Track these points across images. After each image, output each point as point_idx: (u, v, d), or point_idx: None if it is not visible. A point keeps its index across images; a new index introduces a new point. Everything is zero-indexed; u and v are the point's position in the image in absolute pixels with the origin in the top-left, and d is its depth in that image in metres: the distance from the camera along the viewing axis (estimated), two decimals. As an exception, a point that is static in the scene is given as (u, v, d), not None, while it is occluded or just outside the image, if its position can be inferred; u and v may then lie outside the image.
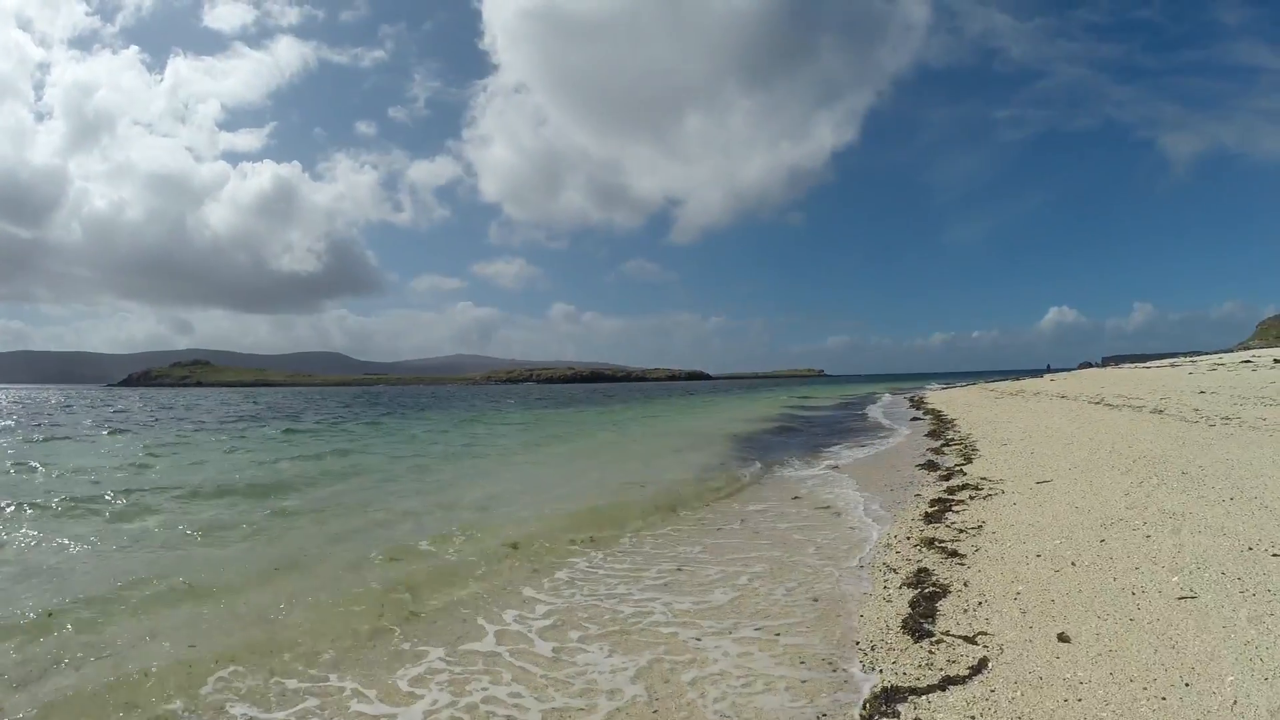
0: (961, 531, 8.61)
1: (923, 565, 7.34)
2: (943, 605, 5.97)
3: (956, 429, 22.26)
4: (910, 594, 6.43)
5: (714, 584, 7.67)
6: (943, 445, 18.26)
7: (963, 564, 7.22)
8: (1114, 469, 11.40)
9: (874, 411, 38.49)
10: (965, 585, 6.45)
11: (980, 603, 5.92)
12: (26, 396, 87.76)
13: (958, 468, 13.83)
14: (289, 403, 70.27)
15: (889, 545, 8.62)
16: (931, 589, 6.41)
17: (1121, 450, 13.19)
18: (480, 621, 6.69)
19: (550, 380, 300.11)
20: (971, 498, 10.67)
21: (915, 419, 29.75)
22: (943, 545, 8.03)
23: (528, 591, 7.62)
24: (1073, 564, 6.66)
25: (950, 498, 10.89)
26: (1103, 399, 25.93)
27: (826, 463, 17.17)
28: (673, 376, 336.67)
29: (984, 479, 12.09)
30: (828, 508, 11.51)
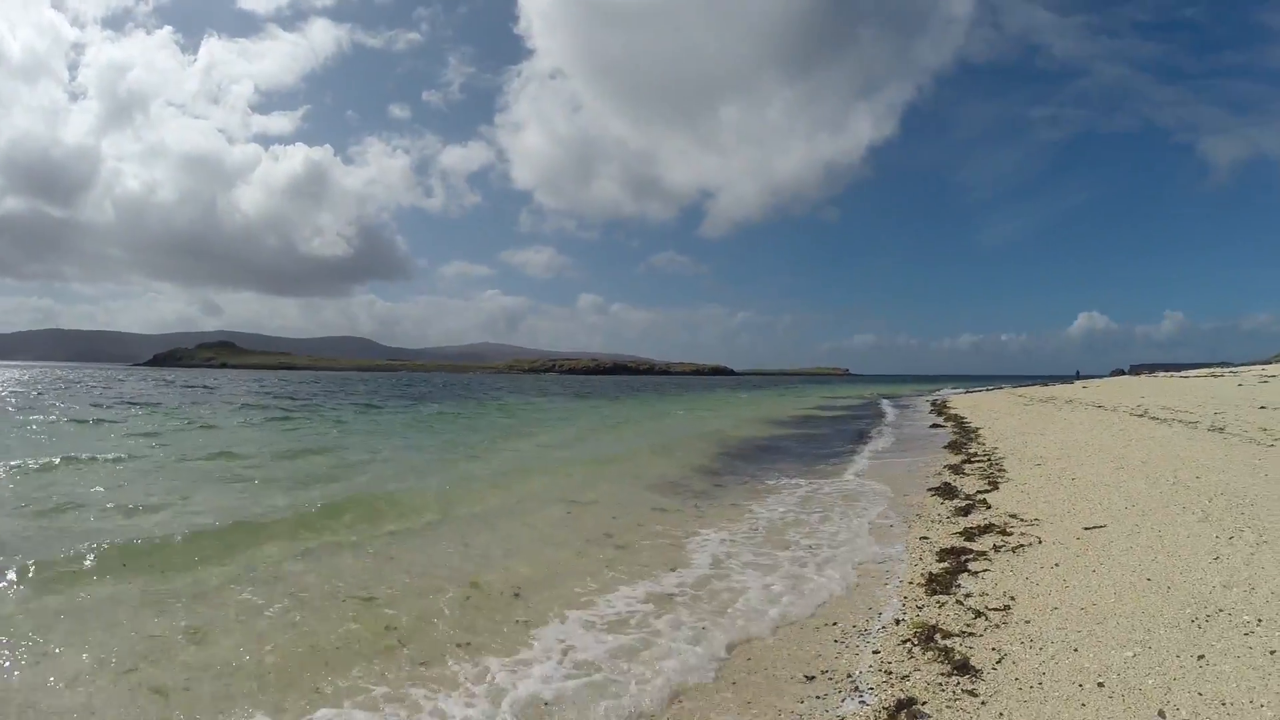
0: (979, 615, 5.82)
1: (909, 692, 4.57)
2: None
3: (981, 441, 19.35)
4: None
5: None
6: (963, 462, 15.38)
7: (974, 693, 4.45)
8: (1186, 510, 8.52)
9: (889, 415, 35.57)
10: (977, 760, 3.65)
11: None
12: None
13: (980, 496, 11.01)
14: (302, 389, 68.07)
15: (865, 633, 5.85)
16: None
17: (1189, 481, 10.28)
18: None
19: (572, 371, 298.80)
20: (997, 547, 7.86)
21: (935, 426, 26.77)
22: (948, 644, 5.25)
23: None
24: (1160, 715, 3.84)
25: (967, 546, 8.08)
26: (1146, 411, 22.82)
27: (816, 481, 14.35)
28: (697, 371, 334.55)
29: (1014, 516, 9.27)
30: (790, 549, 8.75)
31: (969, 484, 12.45)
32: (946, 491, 11.91)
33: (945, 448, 18.91)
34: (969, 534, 8.60)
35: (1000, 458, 15.20)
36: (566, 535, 9.88)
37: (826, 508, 11.53)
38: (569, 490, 13.28)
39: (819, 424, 30.40)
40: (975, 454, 16.50)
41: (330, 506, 10.62)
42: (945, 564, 7.47)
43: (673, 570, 8.09)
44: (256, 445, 18.81)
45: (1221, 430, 15.83)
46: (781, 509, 11.49)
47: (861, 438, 23.79)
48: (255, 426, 24.43)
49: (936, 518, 10.00)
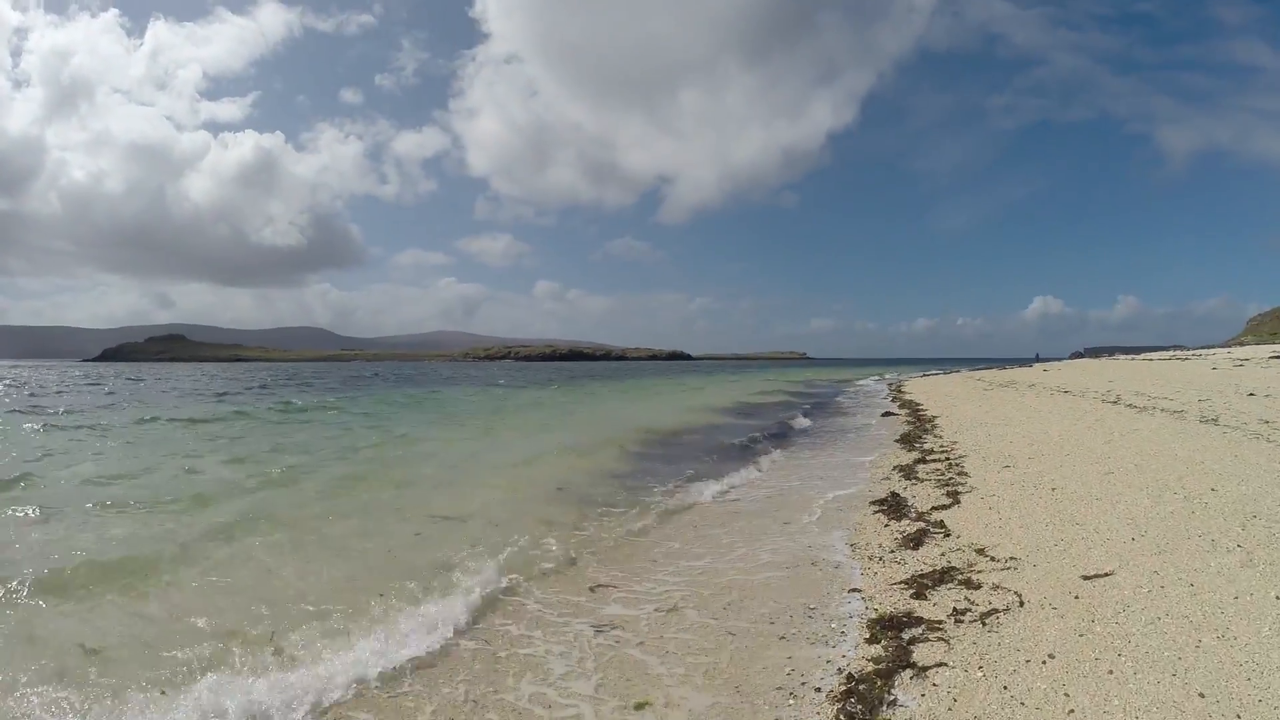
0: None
1: None
2: None
3: (938, 433, 16.91)
4: None
5: None
6: (917, 461, 12.91)
7: None
8: (1217, 546, 6.09)
9: (838, 401, 33.29)
10: None
11: None
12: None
13: (936, 516, 8.51)
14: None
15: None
16: None
17: (1204, 495, 7.88)
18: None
19: (529, 358, 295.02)
20: (959, 613, 5.31)
21: (887, 414, 24.36)
22: None
23: None
24: None
25: (915, 611, 5.52)
26: (1119, 397, 20.64)
27: (732, 488, 11.81)
28: (654, 356, 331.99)
29: (981, 552, 6.76)
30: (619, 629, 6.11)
31: (923, 494, 9.95)
32: (894, 507, 9.38)
33: (897, 441, 16.45)
34: (919, 585, 6.04)
35: (961, 456, 12.76)
36: (387, 567, 7.23)
37: (731, 527, 8.96)
38: (446, 500, 10.72)
39: (763, 413, 27.79)
40: (931, 450, 14.04)
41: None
42: (879, 647, 4.90)
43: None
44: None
45: (1215, 421, 13.56)
46: (678, 534, 8.89)
47: (801, 429, 21.26)
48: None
49: (877, 552, 7.42)
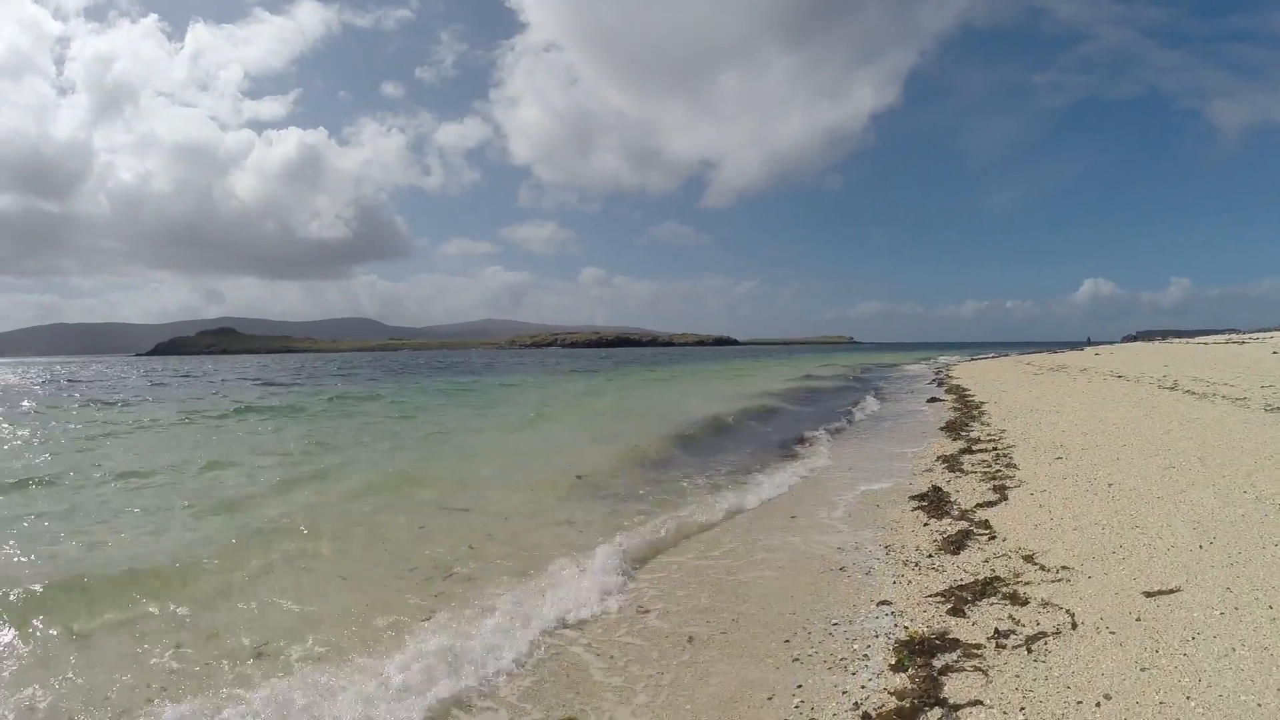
0: None
1: None
2: None
3: (985, 420, 16.07)
4: None
5: None
6: (962, 451, 12.19)
7: None
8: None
9: (880, 387, 32.23)
10: None
11: None
12: None
13: (980, 515, 7.85)
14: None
15: None
16: None
17: (1275, 493, 7.15)
18: None
19: (575, 345, 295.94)
20: (1001, 635, 4.69)
21: (932, 399, 23.47)
22: None
23: None
24: None
25: (951, 632, 4.90)
26: (1176, 383, 19.51)
27: (772, 476, 11.13)
28: (700, 342, 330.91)
29: (1029, 559, 6.10)
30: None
31: (967, 489, 9.26)
32: (935, 503, 8.71)
33: (941, 429, 15.67)
34: (958, 599, 5.40)
35: (1009, 446, 11.99)
36: (378, 571, 6.82)
37: (762, 525, 8.29)
38: (468, 497, 10.37)
39: (815, 399, 26.97)
40: (978, 439, 13.26)
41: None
42: (904, 677, 4.29)
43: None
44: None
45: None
46: (693, 557, 8.27)
47: (843, 415, 20.27)
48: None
49: (913, 556, 6.77)
